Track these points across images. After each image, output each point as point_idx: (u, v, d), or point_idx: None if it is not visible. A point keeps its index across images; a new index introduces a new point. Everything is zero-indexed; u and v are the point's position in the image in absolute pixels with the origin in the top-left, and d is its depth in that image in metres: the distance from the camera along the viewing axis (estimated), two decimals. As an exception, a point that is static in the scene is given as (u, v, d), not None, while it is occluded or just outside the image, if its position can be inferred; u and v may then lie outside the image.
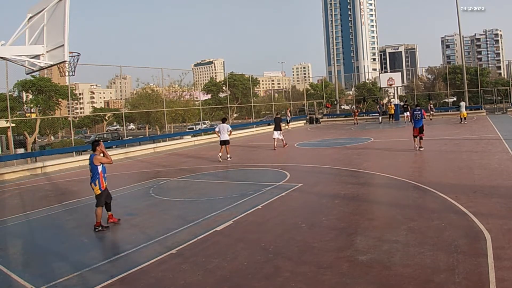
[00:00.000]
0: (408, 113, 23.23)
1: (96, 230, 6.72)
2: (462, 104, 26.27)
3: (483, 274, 4.00)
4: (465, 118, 24.92)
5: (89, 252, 5.66)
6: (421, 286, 3.88)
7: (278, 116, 19.09)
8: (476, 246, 4.74)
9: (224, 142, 14.84)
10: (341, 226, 6.01)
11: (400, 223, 5.83)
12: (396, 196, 7.64)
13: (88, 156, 7.35)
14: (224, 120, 15.81)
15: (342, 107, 47.69)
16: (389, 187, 8.57)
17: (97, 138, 7.28)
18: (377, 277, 4.14)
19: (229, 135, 14.96)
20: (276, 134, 17.60)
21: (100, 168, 6.91)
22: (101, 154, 7.01)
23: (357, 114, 33.00)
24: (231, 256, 5.04)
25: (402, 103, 32.39)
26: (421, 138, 13.83)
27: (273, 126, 18.69)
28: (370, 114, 36.80)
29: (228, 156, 14.87)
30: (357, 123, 31.20)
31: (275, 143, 17.59)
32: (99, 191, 6.90)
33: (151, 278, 4.55)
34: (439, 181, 8.44)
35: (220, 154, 14.78)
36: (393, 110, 31.07)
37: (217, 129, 15.41)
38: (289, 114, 33.27)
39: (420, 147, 13.72)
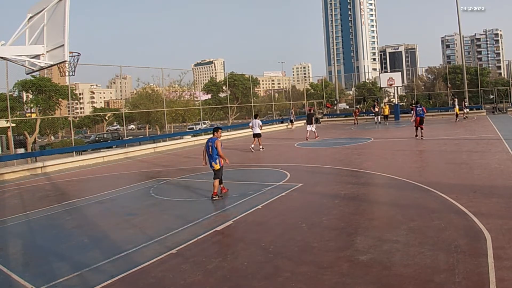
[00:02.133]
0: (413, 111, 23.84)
1: (214, 199, 8.12)
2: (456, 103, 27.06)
3: (483, 274, 4.00)
4: (457, 115, 25.65)
5: (89, 252, 5.65)
6: (421, 286, 3.88)
7: (311, 112, 22.50)
8: (476, 246, 4.74)
9: (256, 135, 17.20)
10: (341, 226, 6.01)
11: (400, 223, 5.83)
12: (396, 196, 7.63)
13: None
14: (256, 116, 17.97)
15: (343, 106, 47.74)
16: (389, 187, 8.57)
17: (216, 126, 8.94)
18: (377, 277, 4.14)
19: (260, 129, 17.38)
20: (309, 127, 20.63)
21: (219, 147, 8.20)
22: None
23: (357, 114, 32.85)
24: (231, 256, 5.04)
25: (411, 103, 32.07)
26: (421, 128, 17.03)
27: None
28: (370, 114, 36.79)
29: (261, 147, 17.03)
30: (357, 123, 31.16)
31: (308, 134, 20.41)
32: (219, 167, 8.22)
33: (151, 278, 4.55)
34: (439, 181, 8.44)
35: (252, 145, 16.95)
36: (387, 111, 29.35)
37: (250, 124, 17.97)
38: (293, 114, 33.43)
39: (422, 136, 16.85)
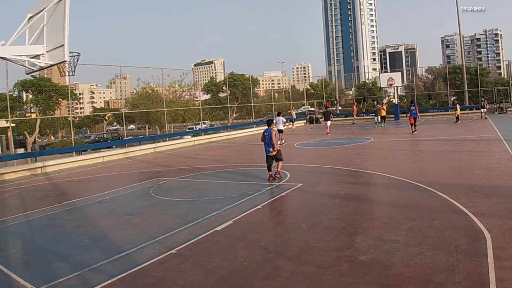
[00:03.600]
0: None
1: (277, 177, 9.76)
2: (456, 103, 26.90)
3: (483, 274, 4.00)
4: (457, 117, 25.32)
5: (89, 252, 5.66)
6: (421, 286, 3.88)
7: (328, 110, 25.31)
8: (476, 246, 4.74)
9: (279, 131, 18.14)
10: (341, 226, 6.01)
11: (400, 223, 5.83)
12: (396, 196, 7.63)
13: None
14: (279, 114, 19.63)
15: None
16: (389, 187, 8.57)
17: (269, 119, 10.86)
18: (377, 277, 4.14)
19: (283, 126, 19.11)
20: (327, 123, 23.33)
21: (274, 137, 9.84)
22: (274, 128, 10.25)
23: (356, 112, 32.13)
24: (231, 256, 5.04)
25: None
26: (415, 125, 19.49)
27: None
28: (370, 114, 36.70)
29: (283, 141, 18.59)
30: (355, 123, 31.05)
31: (327, 131, 22.84)
32: (275, 152, 9.78)
33: (151, 278, 4.55)
34: (439, 181, 8.44)
35: (282, 141, 18.45)
36: (385, 112, 27.34)
37: (274, 121, 20.13)
38: (293, 114, 33.29)
39: (415, 131, 19.31)
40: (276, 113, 20.94)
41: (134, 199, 9.43)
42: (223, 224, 6.39)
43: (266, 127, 10.12)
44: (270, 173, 9.86)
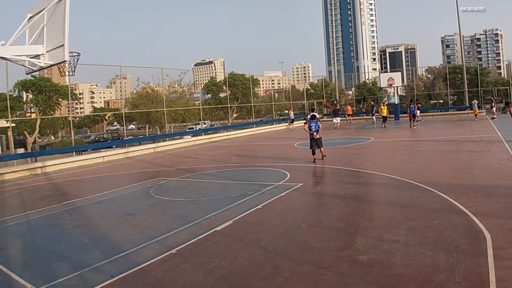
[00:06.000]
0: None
1: (324, 158, 12.53)
2: (474, 102, 27.70)
3: (483, 274, 4.00)
4: (475, 115, 26.33)
5: (89, 252, 5.66)
6: (421, 286, 3.88)
7: (337, 108, 29.15)
8: (476, 246, 4.74)
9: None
10: (341, 226, 6.01)
11: (400, 223, 5.83)
12: (396, 196, 7.63)
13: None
14: (313, 110, 20.91)
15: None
16: (389, 187, 8.57)
17: (314, 113, 13.83)
18: (377, 277, 4.14)
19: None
20: (337, 120, 26.88)
21: (321, 126, 12.71)
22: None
23: (350, 112, 32.01)
24: (231, 256, 5.04)
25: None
26: (414, 120, 23.04)
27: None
28: (370, 114, 36.61)
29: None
30: (350, 122, 31.10)
31: (336, 126, 26.46)
32: (318, 137, 12.40)
33: (151, 278, 4.55)
34: (439, 181, 8.43)
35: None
36: (385, 112, 25.45)
37: (308, 117, 21.99)
38: (291, 114, 33.29)
39: (414, 126, 22.58)
40: (310, 109, 24.12)
41: (134, 199, 9.43)
42: (223, 224, 6.39)
43: (308, 120, 13.02)
44: (315, 156, 12.39)
